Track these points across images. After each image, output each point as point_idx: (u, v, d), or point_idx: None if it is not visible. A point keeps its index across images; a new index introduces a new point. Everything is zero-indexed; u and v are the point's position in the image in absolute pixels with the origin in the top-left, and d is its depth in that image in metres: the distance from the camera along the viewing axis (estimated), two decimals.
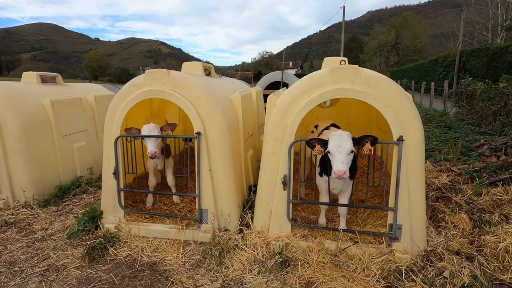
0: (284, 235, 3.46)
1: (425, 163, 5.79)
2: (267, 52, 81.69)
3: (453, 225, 3.79)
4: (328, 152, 2.91)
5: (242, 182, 4.35)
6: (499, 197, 4.16)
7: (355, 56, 65.19)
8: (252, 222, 3.77)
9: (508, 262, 3.02)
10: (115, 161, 3.79)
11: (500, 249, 3.12)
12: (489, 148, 5.76)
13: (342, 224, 3.53)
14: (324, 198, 3.55)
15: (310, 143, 3.06)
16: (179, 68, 4.70)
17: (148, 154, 3.68)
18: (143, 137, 3.74)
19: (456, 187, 4.54)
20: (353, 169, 3.23)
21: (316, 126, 4.13)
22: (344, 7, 31.64)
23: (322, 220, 3.69)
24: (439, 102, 17.61)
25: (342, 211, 3.49)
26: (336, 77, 3.25)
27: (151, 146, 3.70)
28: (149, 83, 3.73)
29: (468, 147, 5.79)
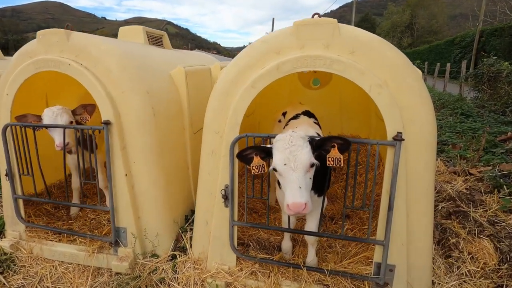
0: (226, 269, 2.44)
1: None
2: None
3: (470, 256, 2.71)
4: (274, 169, 1.82)
5: (189, 186, 3.31)
6: None
7: None
8: (191, 245, 2.75)
9: None
10: (5, 159, 2.77)
11: None
12: None
13: (310, 256, 2.48)
14: (285, 218, 2.48)
15: (244, 155, 1.97)
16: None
17: (56, 148, 2.67)
18: (35, 126, 2.69)
19: (475, 198, 3.41)
20: (323, 181, 2.14)
21: (284, 114, 3.00)
22: None
23: (286, 245, 2.65)
24: (454, 86, 16.02)
25: (310, 238, 2.43)
26: (303, 38, 2.09)
27: (58, 137, 2.67)
28: (43, 49, 2.63)
29: (491, 141, 4.60)
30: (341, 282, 2.25)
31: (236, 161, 2.29)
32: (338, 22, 2.06)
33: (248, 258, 2.42)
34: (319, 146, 1.88)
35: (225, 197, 2.34)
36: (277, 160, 1.79)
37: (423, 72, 22.90)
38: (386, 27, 56.88)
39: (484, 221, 3.07)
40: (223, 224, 2.41)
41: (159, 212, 2.74)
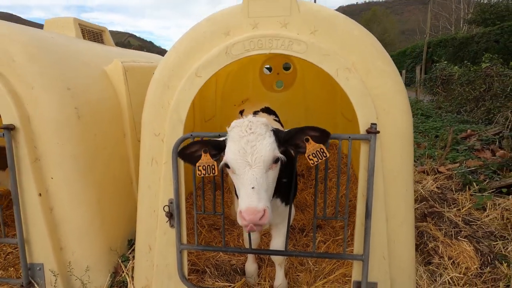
0: None
1: None
2: None
3: (451, 261, 2.47)
4: (227, 166, 1.42)
5: (134, 203, 2.75)
6: None
7: None
8: (133, 277, 2.21)
9: None
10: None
11: None
12: (479, 139, 4.64)
13: (278, 280, 2.07)
14: (246, 235, 2.06)
15: (188, 154, 1.55)
16: None
17: None
18: None
19: (447, 197, 3.26)
20: (289, 185, 1.76)
21: (241, 112, 2.62)
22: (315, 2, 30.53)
23: (250, 268, 2.22)
24: (409, 93, 16.97)
25: (277, 257, 2.02)
26: (255, 15, 1.74)
27: None
28: None
29: (453, 138, 4.64)
30: None
31: (182, 169, 1.85)
32: None
33: None
34: (286, 141, 1.51)
35: (170, 215, 1.87)
36: (230, 152, 1.39)
37: None
38: None
39: (459, 220, 2.89)
40: (168, 249, 1.92)
41: (89, 239, 2.17)
